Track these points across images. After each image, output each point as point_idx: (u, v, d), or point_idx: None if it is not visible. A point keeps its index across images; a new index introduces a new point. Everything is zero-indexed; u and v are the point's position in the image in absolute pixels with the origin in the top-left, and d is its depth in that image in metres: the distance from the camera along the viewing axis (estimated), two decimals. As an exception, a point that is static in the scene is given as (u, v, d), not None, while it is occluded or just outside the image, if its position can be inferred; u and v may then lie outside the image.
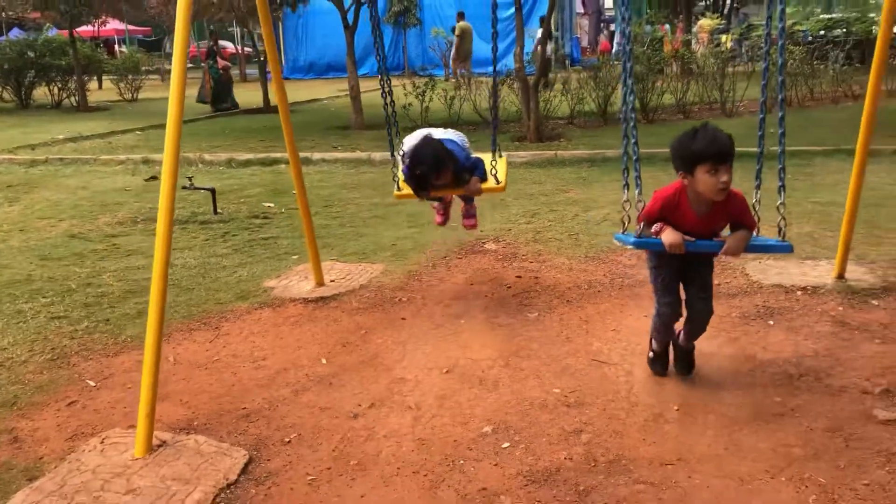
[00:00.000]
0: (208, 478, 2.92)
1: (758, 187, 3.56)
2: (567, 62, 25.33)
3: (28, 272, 5.69)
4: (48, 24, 24.08)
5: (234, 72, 23.50)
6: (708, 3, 28.39)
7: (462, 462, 3.02)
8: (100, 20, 27.31)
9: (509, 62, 12.98)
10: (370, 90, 14.96)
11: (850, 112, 12.04)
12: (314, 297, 4.92)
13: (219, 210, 7.43)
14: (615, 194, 7.51)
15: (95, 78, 23.52)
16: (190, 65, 42.55)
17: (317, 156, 10.50)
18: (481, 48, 27.50)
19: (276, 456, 3.11)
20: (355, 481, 2.94)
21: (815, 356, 3.77)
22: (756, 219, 3.41)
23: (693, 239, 3.31)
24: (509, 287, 5.02)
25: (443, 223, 5.10)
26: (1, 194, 8.84)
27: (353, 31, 12.97)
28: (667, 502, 2.72)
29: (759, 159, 3.58)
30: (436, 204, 5.02)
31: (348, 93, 13.88)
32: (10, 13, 29.28)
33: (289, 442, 3.22)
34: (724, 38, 21.26)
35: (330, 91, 20.59)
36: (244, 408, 3.53)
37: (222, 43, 25.42)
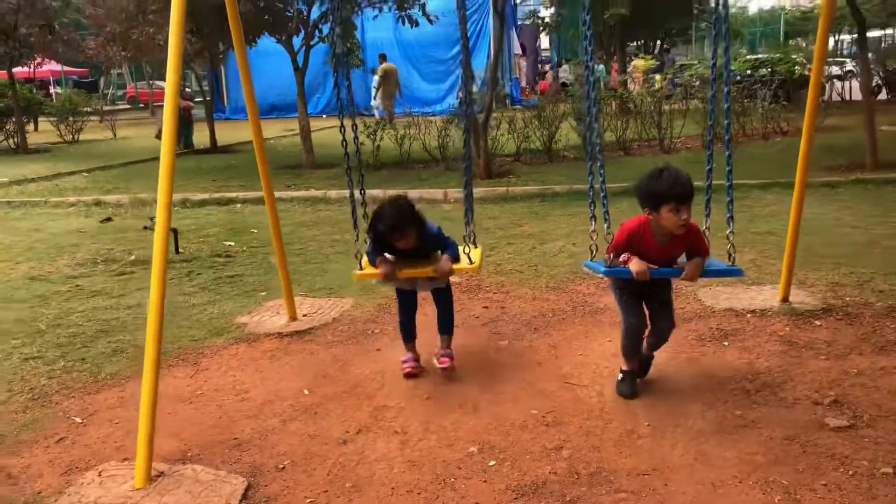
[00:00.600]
0: (211, 504, 3.03)
1: (707, 215, 3.93)
2: (507, 101, 25.97)
3: (-7, 315, 5.66)
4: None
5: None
6: (639, 44, 29.54)
7: (453, 480, 3.19)
8: (36, 61, 26.92)
9: (453, 100, 13.29)
10: (317, 129, 15.17)
11: (780, 147, 12.77)
12: (289, 332, 5.05)
13: (180, 249, 7.47)
14: (568, 227, 7.86)
15: (32, 120, 23.11)
16: (127, 105, 42.23)
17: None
18: (422, 88, 28.08)
19: (273, 482, 3.23)
20: (353, 502, 3.08)
21: (768, 373, 4.07)
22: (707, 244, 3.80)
23: (656, 266, 3.67)
24: (477, 317, 5.23)
25: (413, 371, 4.27)
26: (-50, 238, 8.70)
27: (304, 72, 13.18)
28: (647, 508, 2.94)
29: (708, 191, 3.96)
30: (405, 356, 4.35)
31: (297, 132, 14.03)
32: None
33: (283, 468, 3.34)
34: (657, 77, 22.18)
35: (276, 131, 20.64)
36: (235, 438, 3.64)
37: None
